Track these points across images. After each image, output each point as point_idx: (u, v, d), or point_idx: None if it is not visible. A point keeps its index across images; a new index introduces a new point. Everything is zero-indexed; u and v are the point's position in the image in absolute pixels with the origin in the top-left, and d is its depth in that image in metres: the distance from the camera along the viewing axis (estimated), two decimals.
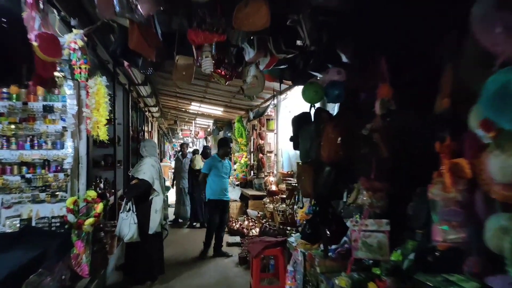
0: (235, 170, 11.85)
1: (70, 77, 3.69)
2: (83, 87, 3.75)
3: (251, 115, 9.87)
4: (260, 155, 8.11)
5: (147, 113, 10.62)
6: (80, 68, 3.30)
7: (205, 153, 8.97)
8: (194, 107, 11.64)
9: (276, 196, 6.62)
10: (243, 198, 7.97)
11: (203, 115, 13.65)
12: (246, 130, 11.00)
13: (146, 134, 11.61)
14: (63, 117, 3.71)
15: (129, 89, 6.85)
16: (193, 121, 15.22)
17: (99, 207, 3.70)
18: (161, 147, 23.04)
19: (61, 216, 3.68)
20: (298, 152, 7.09)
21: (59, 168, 3.70)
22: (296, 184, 5.81)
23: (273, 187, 6.82)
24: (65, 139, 3.71)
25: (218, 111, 11.63)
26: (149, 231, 4.64)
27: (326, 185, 2.79)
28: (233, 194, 8.23)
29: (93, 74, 3.69)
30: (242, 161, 11.03)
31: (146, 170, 4.62)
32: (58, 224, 3.67)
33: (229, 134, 13.30)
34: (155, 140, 14.91)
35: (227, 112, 11.49)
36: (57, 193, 3.70)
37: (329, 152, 2.81)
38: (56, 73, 3.74)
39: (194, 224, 8.31)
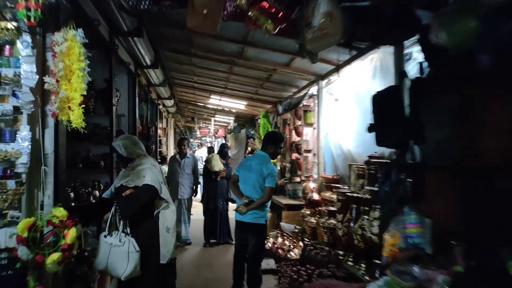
0: None
1: (25, 29, 2.34)
2: (49, 47, 2.40)
3: (281, 108, 8.43)
4: (295, 155, 6.66)
5: (160, 106, 9.32)
6: (26, 0, 1.94)
7: (223, 152, 7.55)
8: (214, 100, 10.28)
9: (320, 208, 5.15)
10: (275, 208, 6.55)
11: (223, 111, 12.29)
12: (274, 127, 9.56)
13: (160, 131, 10.32)
14: (15, 91, 2.36)
15: (136, 72, 5.52)
16: (212, 118, 13.89)
17: (70, 234, 2.32)
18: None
19: (11, 248, 2.32)
20: (346, 151, 5.59)
21: (8, 172, 2.35)
22: (352, 194, 4.33)
23: (315, 196, 5.35)
24: (18, 127, 2.36)
25: (240, 105, 10.23)
26: (161, 260, 3.22)
27: (504, 215, 1.33)
28: None
29: (62, 23, 2.33)
30: None
31: (146, 173, 3.19)
32: (5, 261, 2.32)
33: (252, 132, 11.91)
34: (171, 139, 13.63)
35: (250, 106, 10.08)
36: (6, 211, 2.35)
37: (506, 146, 1.34)
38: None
39: (211, 241, 6.85)
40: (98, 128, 4.89)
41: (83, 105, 2.34)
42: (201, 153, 14.38)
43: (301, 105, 6.37)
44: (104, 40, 3.91)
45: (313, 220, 5.18)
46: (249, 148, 12.07)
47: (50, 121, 2.46)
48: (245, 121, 12.54)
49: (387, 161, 2.99)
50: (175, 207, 3.51)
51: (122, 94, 5.37)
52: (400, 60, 3.27)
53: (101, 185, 4.85)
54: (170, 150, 13.18)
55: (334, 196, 5.01)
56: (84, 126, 2.37)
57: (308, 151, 6.27)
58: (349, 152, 5.13)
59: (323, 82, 5.80)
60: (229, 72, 6.79)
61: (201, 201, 7.12)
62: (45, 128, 2.45)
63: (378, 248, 3.25)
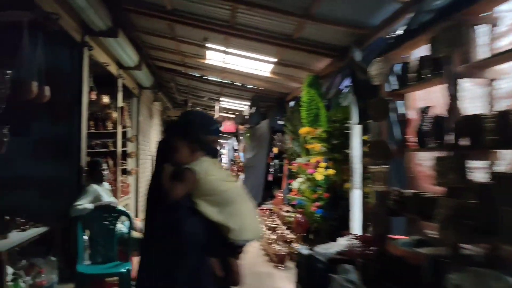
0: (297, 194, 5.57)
1: None
2: None
3: (359, 54, 3.63)
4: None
5: (103, 59, 4.59)
6: None
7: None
8: (215, 55, 5.49)
9: None
10: None
11: (232, 88, 7.51)
12: (330, 105, 4.77)
13: (116, 116, 5.60)
14: None
15: None
16: (216, 105, 9.09)
17: None
18: None
19: None
20: None
21: None
22: None
23: None
24: None
25: (266, 66, 5.43)
26: None
27: None
28: None
29: None
30: (319, 176, 4.76)
31: None
32: None
33: (280, 122, 7.10)
34: (154, 140, 8.88)
35: (284, 67, 5.25)
36: None
37: None
38: None
39: None
40: None
41: None
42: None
43: None
44: None
45: None
46: (275, 150, 7.27)
47: None
48: (268, 106, 7.74)
49: None
50: None
51: None
52: None
53: None
54: (151, 157, 8.40)
55: None
56: None
57: None
58: None
59: None
60: None
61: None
62: None
63: None
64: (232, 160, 17.18)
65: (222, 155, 9.93)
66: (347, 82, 4.56)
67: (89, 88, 4.34)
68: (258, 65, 5.40)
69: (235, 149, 19.01)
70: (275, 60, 4.99)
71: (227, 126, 9.34)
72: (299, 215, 4.97)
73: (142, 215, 6.92)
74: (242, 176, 9.97)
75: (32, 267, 3.25)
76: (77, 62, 3.81)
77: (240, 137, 15.02)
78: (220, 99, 8.49)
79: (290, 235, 5.09)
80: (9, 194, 3.57)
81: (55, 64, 3.67)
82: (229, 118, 9.49)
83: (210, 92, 8.32)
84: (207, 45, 4.91)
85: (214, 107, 9.33)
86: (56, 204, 3.71)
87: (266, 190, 7.45)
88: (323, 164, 4.82)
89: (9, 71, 2.39)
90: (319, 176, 4.76)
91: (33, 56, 3.12)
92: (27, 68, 3.07)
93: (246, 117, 8.10)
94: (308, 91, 4.96)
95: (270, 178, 7.49)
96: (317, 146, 5.50)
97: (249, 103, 8.62)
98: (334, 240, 3.71)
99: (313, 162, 5.22)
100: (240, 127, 8.66)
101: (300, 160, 5.76)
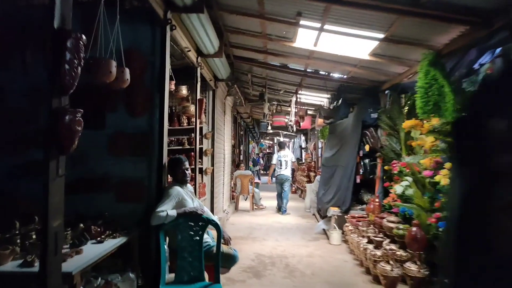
0: None
1: None
2: None
3: None
4: None
5: (182, 42, 4.01)
6: None
7: None
8: (305, 37, 4.67)
9: None
10: None
11: (315, 78, 6.64)
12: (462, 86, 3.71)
13: (189, 108, 5.03)
14: None
15: None
16: (293, 99, 8.28)
17: None
18: (246, 148, 16.67)
19: None
20: None
21: None
22: None
23: None
24: None
25: (365, 47, 4.51)
26: None
27: None
28: None
29: None
30: (445, 180, 3.73)
31: None
32: None
33: (374, 115, 6.10)
34: (227, 132, 8.34)
35: (393, 43, 4.27)
36: None
37: None
38: None
39: None
40: None
41: None
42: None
43: None
44: None
45: None
46: (366, 147, 6.28)
47: None
48: (354, 97, 6.75)
49: None
50: None
51: None
52: None
53: None
54: (224, 156, 7.86)
55: None
56: None
57: None
58: None
59: None
60: None
61: None
62: None
63: None
64: (299, 160, 16.29)
65: None
66: (486, 57, 3.53)
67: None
68: (357, 44, 4.49)
69: (302, 148, 18.05)
70: (383, 36, 4.04)
71: (305, 123, 8.50)
72: (413, 228, 3.98)
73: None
74: (317, 176, 9.08)
75: (109, 287, 2.72)
76: (159, 43, 3.22)
77: (311, 134, 14.07)
78: (299, 91, 7.66)
79: (399, 252, 4.13)
80: (82, 197, 3.08)
81: (135, 45, 3.13)
82: (305, 113, 8.64)
83: (288, 84, 7.53)
84: (300, 22, 4.11)
85: (290, 100, 8.54)
86: (135, 209, 3.16)
87: (353, 193, 6.49)
88: (449, 164, 3.80)
89: (85, 39, 1.78)
90: (445, 180, 3.74)
91: (110, 35, 2.58)
92: (105, 47, 2.53)
93: (329, 110, 7.19)
94: (427, 73, 3.94)
95: (358, 179, 6.52)
96: (428, 143, 4.48)
97: (329, 96, 7.70)
98: None
99: (429, 162, 4.22)
100: (319, 122, 7.76)
101: (409, 159, 4.75)
